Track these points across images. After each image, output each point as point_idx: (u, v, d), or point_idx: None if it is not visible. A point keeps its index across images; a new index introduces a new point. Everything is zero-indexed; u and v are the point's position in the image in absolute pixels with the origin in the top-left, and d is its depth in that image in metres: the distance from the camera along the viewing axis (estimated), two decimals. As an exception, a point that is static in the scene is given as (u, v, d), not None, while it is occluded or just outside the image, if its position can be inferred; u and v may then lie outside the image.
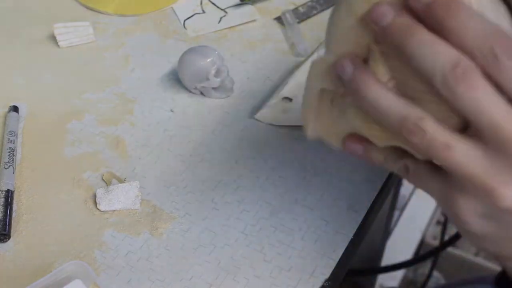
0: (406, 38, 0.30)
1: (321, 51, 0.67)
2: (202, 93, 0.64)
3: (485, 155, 0.30)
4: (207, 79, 0.62)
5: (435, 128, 0.30)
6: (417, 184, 0.35)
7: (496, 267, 1.34)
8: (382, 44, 0.32)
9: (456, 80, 0.28)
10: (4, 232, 0.50)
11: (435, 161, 0.33)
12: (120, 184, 0.54)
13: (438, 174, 0.33)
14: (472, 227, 0.33)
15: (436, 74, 0.29)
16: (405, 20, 0.30)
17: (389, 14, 0.30)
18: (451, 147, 0.30)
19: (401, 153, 0.35)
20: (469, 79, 0.28)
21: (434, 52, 0.29)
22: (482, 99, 0.28)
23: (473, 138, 0.30)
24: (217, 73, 0.62)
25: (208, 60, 0.62)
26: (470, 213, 0.32)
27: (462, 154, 0.30)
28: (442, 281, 1.39)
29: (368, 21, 0.31)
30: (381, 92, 0.31)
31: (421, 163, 0.34)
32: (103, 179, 0.56)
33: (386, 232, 1.14)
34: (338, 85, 0.33)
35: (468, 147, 0.30)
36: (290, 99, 0.63)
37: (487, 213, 0.32)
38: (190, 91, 0.65)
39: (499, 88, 0.29)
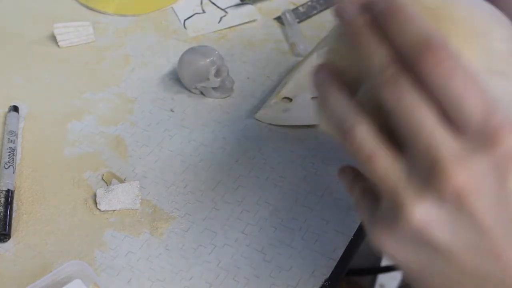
0: (356, 37, 0.30)
1: (321, 50, 0.67)
2: (202, 93, 0.64)
3: (404, 166, 0.28)
4: (207, 79, 0.62)
5: (364, 136, 0.29)
6: (360, 217, 0.33)
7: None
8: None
9: (382, 83, 0.28)
10: (4, 232, 0.50)
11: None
12: (120, 184, 0.54)
13: (368, 201, 0.32)
14: (397, 258, 0.31)
15: (374, 75, 0.29)
16: (357, 21, 0.30)
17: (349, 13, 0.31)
18: (373, 157, 0.29)
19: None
20: (393, 82, 0.28)
21: (370, 53, 0.29)
22: (404, 102, 0.27)
23: (401, 150, 0.29)
24: (217, 73, 0.62)
25: (208, 60, 0.62)
26: (390, 242, 0.30)
27: (382, 164, 0.29)
28: (442, 281, 1.38)
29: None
30: (336, 97, 0.31)
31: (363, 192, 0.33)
32: (103, 179, 0.56)
33: (386, 232, 1.14)
34: None
35: (389, 157, 0.29)
36: (290, 99, 0.63)
37: (408, 240, 0.29)
38: (190, 91, 0.65)
39: (429, 95, 0.27)
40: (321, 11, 0.76)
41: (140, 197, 0.54)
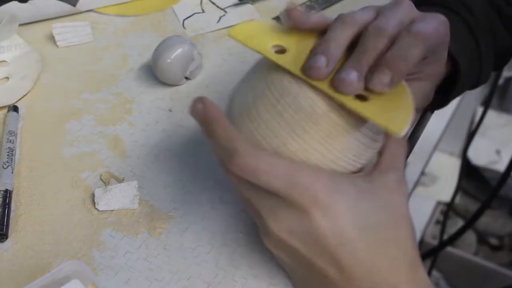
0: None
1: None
2: (188, 78, 0.65)
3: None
4: (192, 59, 0.63)
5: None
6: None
7: (493, 266, 1.34)
8: None
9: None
10: (2, 232, 0.50)
11: None
12: (118, 184, 0.54)
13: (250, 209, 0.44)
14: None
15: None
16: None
17: None
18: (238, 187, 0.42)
19: None
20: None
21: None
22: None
23: None
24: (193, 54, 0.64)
25: (187, 43, 0.63)
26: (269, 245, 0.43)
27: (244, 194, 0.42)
28: (442, 280, 1.39)
29: None
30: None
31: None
32: (101, 179, 0.56)
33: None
34: None
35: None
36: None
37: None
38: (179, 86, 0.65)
39: None
40: (320, 10, 0.76)
41: (138, 197, 0.54)
